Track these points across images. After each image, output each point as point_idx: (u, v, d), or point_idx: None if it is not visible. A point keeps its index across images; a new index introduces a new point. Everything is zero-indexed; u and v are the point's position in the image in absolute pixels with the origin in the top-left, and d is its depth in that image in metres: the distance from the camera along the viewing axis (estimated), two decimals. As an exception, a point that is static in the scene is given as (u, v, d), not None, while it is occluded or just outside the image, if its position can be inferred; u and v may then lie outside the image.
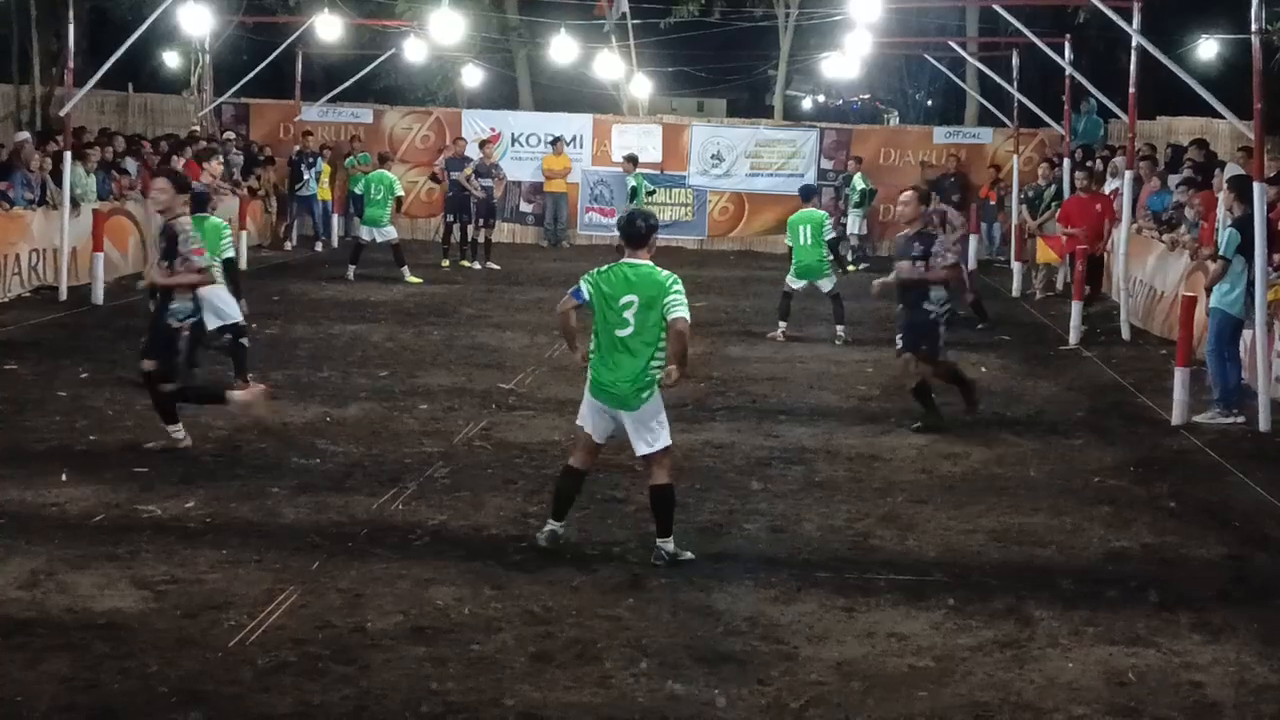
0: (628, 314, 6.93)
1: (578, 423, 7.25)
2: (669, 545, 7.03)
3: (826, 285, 14.58)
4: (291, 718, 5.13)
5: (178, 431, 9.01)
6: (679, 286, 6.97)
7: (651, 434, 7.02)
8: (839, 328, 14.53)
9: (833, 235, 15.21)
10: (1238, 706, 5.51)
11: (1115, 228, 15.56)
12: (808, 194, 15.50)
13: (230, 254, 11.31)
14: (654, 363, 6.95)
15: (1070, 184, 19.05)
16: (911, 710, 5.38)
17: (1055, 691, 5.59)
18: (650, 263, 7.09)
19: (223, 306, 10.87)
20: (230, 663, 5.61)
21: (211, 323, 10.91)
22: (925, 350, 10.25)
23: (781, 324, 14.72)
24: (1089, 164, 17.50)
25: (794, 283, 14.70)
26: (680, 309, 6.89)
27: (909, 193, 10.72)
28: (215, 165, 16.89)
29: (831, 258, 15.03)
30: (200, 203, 11.58)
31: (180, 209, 9.13)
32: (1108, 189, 17.76)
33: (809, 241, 14.52)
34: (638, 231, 7.13)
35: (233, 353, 11.07)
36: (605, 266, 7.12)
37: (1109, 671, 5.80)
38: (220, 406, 9.30)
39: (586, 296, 7.04)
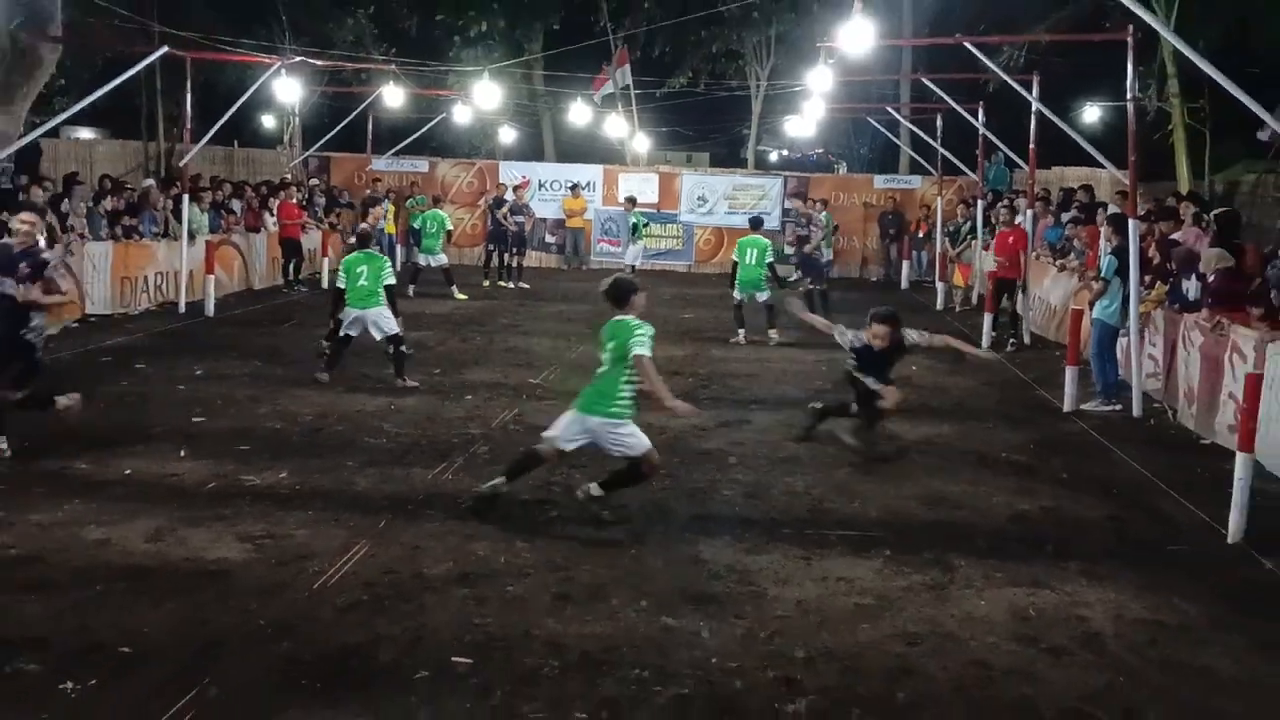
0: (604, 355, 7.01)
1: (550, 434, 7.09)
2: (593, 488, 7.16)
3: (762, 297, 14.51)
4: (363, 645, 5.13)
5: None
6: (644, 331, 6.91)
7: (623, 445, 7.00)
8: (771, 331, 14.54)
9: (771, 259, 14.98)
10: (1116, 636, 5.52)
11: (1024, 256, 15.44)
12: (756, 224, 15.36)
13: (390, 281, 11.23)
14: (620, 395, 6.93)
15: (984, 221, 19.07)
16: (856, 639, 5.39)
17: (971, 624, 5.60)
18: (631, 317, 7.01)
19: (383, 323, 11.04)
20: (314, 602, 5.63)
21: (377, 335, 11.13)
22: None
23: (741, 330, 14.69)
24: (1006, 203, 17.33)
25: (737, 294, 14.66)
26: (640, 347, 6.82)
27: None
28: (379, 210, 16.78)
29: (770, 277, 14.89)
30: (364, 240, 11.72)
31: (39, 238, 8.52)
32: (1015, 222, 17.72)
33: (753, 261, 14.48)
34: (615, 294, 7.14)
35: (394, 357, 11.10)
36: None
37: (1014, 608, 5.82)
38: (43, 411, 8.29)
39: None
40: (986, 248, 18.65)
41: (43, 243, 8.58)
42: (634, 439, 7.01)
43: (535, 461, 7.16)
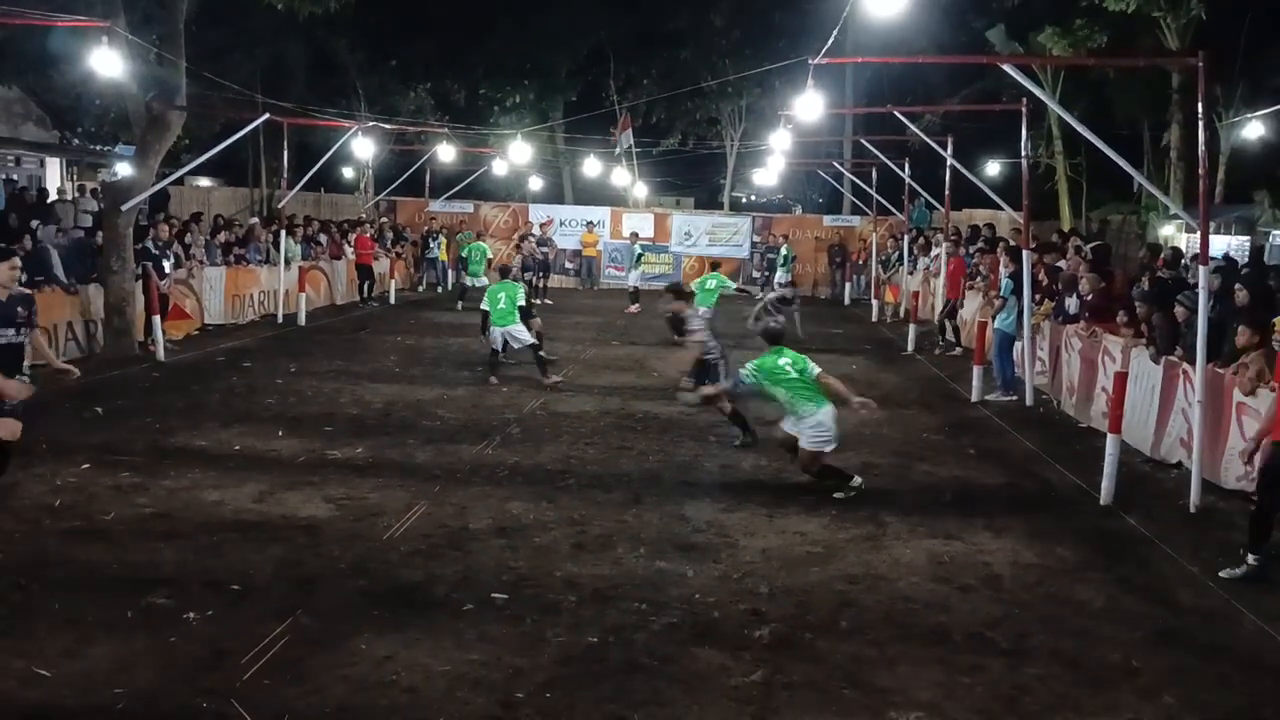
0: (792, 371, 6.99)
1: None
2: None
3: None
4: (422, 583, 5.15)
5: None
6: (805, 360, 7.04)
7: (805, 438, 6.94)
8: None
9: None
10: (1012, 576, 5.54)
11: (964, 280, 14.48)
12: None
13: (523, 303, 11.01)
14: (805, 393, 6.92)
15: (909, 252, 19.07)
16: (808, 579, 5.40)
17: (898, 568, 5.61)
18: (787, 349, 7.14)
19: (519, 336, 10.81)
20: (383, 549, 5.64)
21: (515, 346, 10.84)
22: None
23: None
24: (954, 239, 16.08)
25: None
26: (816, 367, 7.01)
27: None
28: (530, 244, 16.08)
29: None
30: (505, 273, 11.89)
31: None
32: (931, 254, 17.67)
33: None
34: (770, 334, 7.33)
35: (536, 361, 10.88)
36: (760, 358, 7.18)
37: (931, 555, 5.82)
38: None
39: (749, 380, 7.15)
40: (911, 272, 18.65)
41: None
42: (814, 440, 6.90)
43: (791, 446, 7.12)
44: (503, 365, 11.07)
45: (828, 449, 6.94)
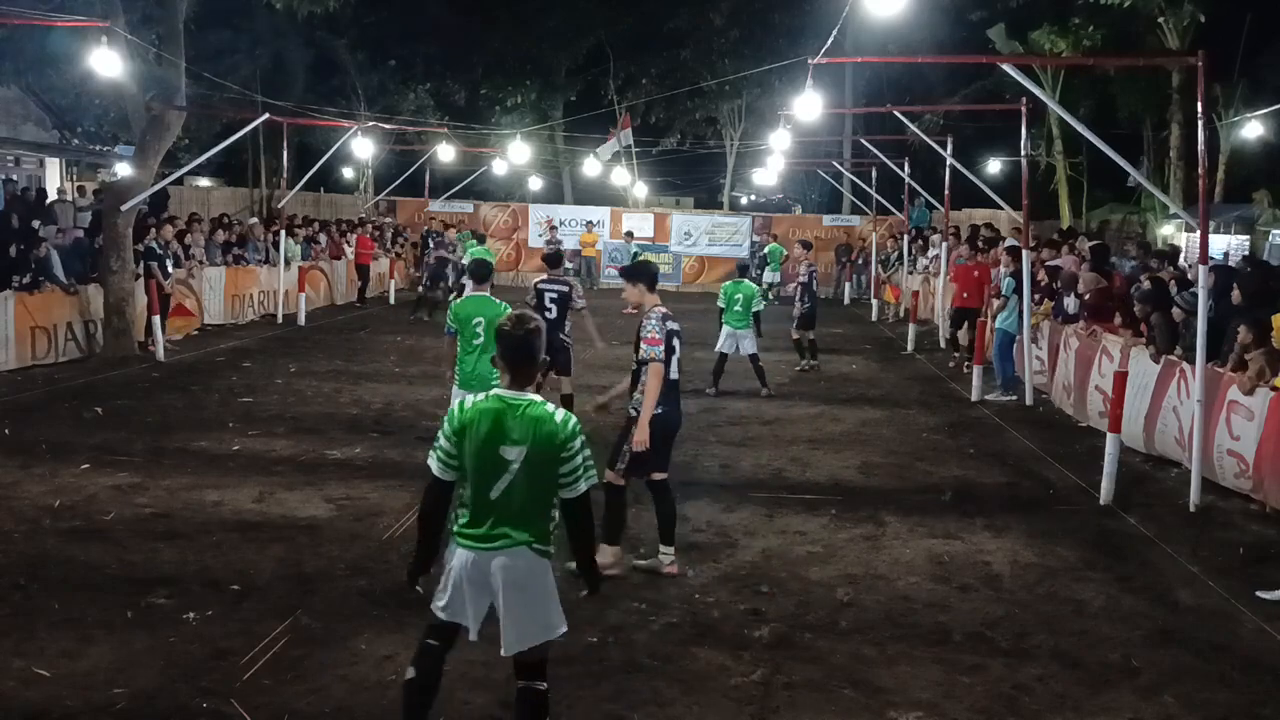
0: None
1: None
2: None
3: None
4: (423, 583, 5.12)
5: None
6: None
7: None
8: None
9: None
10: (1012, 576, 5.53)
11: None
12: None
13: (759, 309, 10.72)
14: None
15: (908, 252, 19.05)
16: (808, 578, 5.40)
17: (898, 567, 5.61)
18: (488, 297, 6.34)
19: (746, 343, 10.62)
20: (383, 549, 5.63)
21: (743, 351, 10.58)
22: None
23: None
24: (976, 240, 14.91)
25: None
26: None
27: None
28: (803, 252, 14.86)
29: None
30: (743, 271, 11.38)
31: None
32: (929, 254, 17.63)
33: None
34: (480, 272, 6.66)
35: (756, 371, 10.68)
36: None
37: (931, 555, 5.82)
38: None
39: None
40: (911, 272, 18.65)
41: None
42: None
43: None
44: (722, 372, 10.75)
45: None
